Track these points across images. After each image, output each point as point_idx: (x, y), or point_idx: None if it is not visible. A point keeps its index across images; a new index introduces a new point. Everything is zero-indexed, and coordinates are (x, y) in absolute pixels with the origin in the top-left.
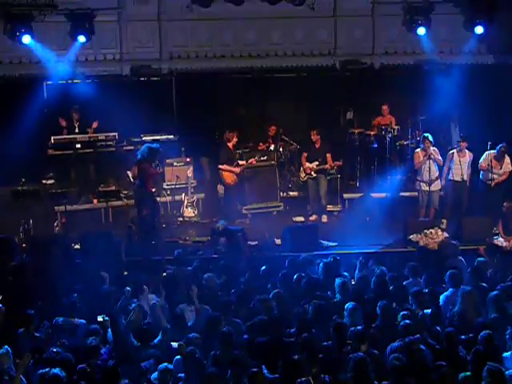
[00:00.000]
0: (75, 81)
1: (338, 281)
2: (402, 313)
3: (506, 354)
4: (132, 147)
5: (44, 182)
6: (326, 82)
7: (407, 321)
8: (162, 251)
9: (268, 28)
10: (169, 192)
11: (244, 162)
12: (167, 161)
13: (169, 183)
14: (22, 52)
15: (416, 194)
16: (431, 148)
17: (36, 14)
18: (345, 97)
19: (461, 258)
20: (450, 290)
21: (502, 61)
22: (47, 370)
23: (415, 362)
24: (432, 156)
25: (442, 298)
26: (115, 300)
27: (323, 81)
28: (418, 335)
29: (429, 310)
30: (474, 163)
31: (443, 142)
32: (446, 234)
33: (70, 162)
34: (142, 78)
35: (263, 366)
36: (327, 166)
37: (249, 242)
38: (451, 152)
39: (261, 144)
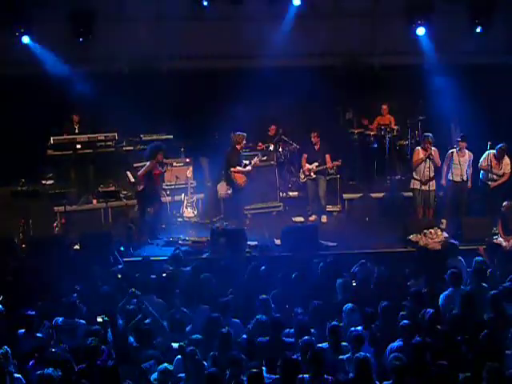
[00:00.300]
0: (75, 81)
1: (339, 281)
2: (402, 313)
3: (508, 352)
4: (131, 147)
5: (44, 182)
6: (326, 81)
7: (407, 321)
8: (161, 251)
9: (267, 28)
10: (168, 192)
11: (247, 162)
12: (166, 161)
13: (168, 183)
14: (22, 52)
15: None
16: (432, 148)
17: (36, 14)
18: (345, 97)
19: (461, 258)
20: (450, 289)
21: (502, 61)
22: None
23: (415, 362)
24: (431, 156)
25: (441, 297)
26: (115, 300)
27: (323, 81)
28: (417, 335)
29: (429, 310)
30: (475, 163)
31: (443, 142)
32: (445, 234)
33: (70, 162)
34: (141, 78)
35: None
36: (327, 166)
37: (249, 242)
38: (450, 152)
39: (260, 144)
